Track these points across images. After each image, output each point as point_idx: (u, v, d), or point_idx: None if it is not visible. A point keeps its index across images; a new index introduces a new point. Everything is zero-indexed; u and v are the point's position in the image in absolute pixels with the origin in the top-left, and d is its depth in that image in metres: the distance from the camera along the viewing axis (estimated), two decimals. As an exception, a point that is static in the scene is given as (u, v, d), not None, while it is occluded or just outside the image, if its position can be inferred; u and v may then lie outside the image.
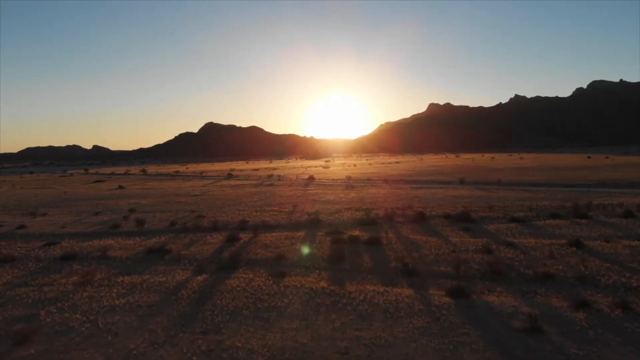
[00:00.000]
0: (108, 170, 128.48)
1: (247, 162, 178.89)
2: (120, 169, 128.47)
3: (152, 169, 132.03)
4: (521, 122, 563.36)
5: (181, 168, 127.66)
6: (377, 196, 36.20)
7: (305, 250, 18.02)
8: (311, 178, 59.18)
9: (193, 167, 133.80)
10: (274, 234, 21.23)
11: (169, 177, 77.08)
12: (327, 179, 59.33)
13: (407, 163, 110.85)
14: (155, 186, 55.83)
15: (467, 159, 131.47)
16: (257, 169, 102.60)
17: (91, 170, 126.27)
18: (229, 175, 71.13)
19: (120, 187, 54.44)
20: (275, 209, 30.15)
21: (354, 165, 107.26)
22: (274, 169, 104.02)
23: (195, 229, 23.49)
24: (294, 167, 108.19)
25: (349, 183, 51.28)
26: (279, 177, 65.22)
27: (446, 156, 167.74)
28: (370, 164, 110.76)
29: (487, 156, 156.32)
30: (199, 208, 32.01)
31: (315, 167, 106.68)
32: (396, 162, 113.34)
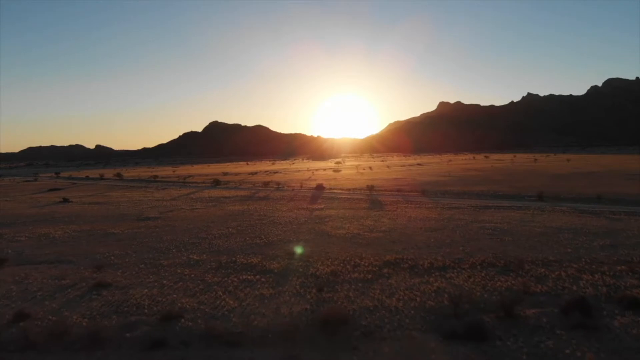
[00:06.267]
0: (90, 173, 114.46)
1: (247, 164, 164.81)
2: (105, 172, 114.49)
3: (138, 171, 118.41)
4: (534, 121, 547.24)
5: (171, 171, 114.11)
6: (429, 228, 22.06)
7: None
8: (320, 187, 45.13)
9: (184, 170, 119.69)
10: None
11: (143, 185, 63.08)
12: (341, 188, 45.24)
13: (432, 165, 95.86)
14: (111, 199, 42.01)
15: (499, 160, 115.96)
16: (255, 173, 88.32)
17: (65, 174, 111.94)
18: (216, 183, 57.07)
19: (64, 200, 40.80)
20: (256, 260, 16.13)
21: (370, 168, 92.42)
22: (275, 172, 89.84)
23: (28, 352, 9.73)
24: (299, 171, 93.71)
25: (373, 196, 37.12)
26: (278, 186, 51.11)
27: (474, 157, 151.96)
28: (388, 167, 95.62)
29: (522, 157, 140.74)
30: (125, 256, 18.07)
31: (324, 170, 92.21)
32: (419, 165, 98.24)
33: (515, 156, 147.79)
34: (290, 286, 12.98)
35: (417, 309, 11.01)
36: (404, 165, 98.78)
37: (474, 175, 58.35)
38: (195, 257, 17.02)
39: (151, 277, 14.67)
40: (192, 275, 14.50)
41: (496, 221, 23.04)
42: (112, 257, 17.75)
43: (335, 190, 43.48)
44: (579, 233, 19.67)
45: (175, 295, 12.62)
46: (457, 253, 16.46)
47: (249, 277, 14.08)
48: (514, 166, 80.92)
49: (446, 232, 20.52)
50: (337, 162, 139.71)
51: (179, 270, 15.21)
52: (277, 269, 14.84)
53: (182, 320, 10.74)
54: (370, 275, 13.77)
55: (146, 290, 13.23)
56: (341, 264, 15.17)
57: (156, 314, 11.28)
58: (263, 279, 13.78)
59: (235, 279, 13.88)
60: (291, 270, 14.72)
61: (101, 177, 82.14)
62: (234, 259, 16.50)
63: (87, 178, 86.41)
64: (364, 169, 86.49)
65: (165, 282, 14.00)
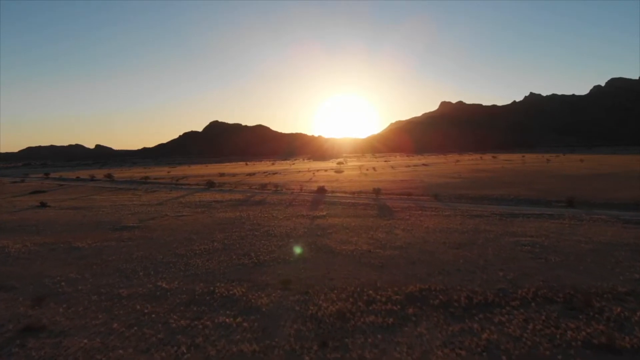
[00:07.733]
0: (84, 173, 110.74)
1: (247, 164, 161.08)
2: (98, 173, 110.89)
3: (132, 172, 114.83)
4: (535, 121, 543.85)
5: (165, 172, 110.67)
6: (454, 244, 18.52)
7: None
8: (321, 190, 41.60)
9: (180, 171, 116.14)
10: None
11: (133, 187, 59.48)
12: (344, 191, 41.68)
13: (439, 165, 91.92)
14: (93, 203, 38.47)
15: (508, 160, 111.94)
16: (253, 174, 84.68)
17: (56, 174, 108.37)
18: (210, 185, 53.50)
19: (42, 204, 37.28)
20: (240, 291, 12.59)
21: (373, 168, 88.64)
22: (274, 173, 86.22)
23: None
24: (300, 171, 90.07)
25: (381, 201, 33.53)
26: (277, 188, 47.57)
27: (481, 157, 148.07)
28: (392, 167, 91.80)
29: (531, 157, 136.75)
30: (79, 282, 14.57)
31: (326, 170, 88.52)
32: (424, 165, 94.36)
33: (524, 156, 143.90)
34: (281, 337, 9.40)
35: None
36: (408, 166, 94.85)
37: (485, 177, 54.61)
38: (164, 285, 13.46)
39: (100, 316, 11.11)
40: (153, 316, 10.93)
41: (531, 234, 19.45)
42: (63, 283, 14.20)
43: (338, 194, 39.92)
44: (637, 251, 16.10)
45: (121, 351, 9.07)
46: (497, 280, 12.89)
47: (227, 319, 10.49)
48: (526, 167, 77.00)
49: (476, 248, 16.93)
50: (339, 163, 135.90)
51: (138, 306, 11.64)
52: (266, 307, 11.26)
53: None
54: (391, 319, 10.19)
55: (86, 340, 9.67)
56: (351, 299, 11.60)
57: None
58: (245, 324, 10.20)
59: (209, 323, 10.30)
60: (284, 308, 11.13)
61: (92, 178, 78.62)
62: (212, 288, 12.93)
63: (77, 179, 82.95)
64: (367, 170, 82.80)
65: (115, 325, 10.44)
